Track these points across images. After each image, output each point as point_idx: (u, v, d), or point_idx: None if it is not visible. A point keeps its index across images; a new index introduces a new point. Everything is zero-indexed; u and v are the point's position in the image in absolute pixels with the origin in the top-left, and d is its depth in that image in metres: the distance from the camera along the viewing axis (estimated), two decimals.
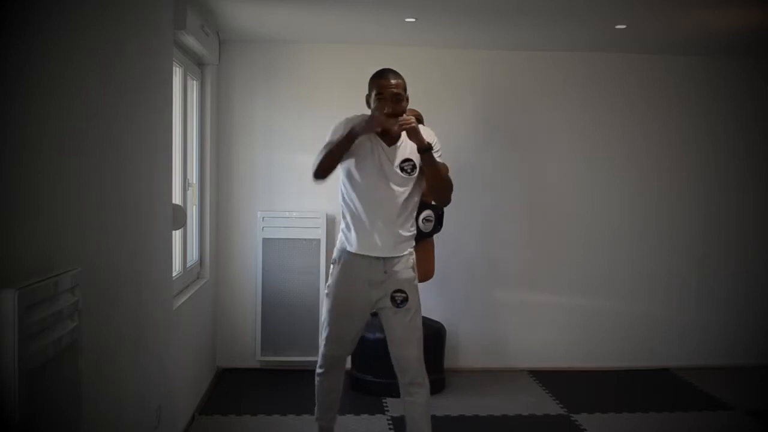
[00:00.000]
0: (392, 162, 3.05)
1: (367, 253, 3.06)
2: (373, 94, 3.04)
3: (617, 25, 4.19)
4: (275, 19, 4.26)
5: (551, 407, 4.30)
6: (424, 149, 2.99)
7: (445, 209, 4.37)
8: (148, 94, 2.80)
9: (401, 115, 2.99)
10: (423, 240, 4.35)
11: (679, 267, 5.15)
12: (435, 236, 4.43)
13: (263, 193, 4.87)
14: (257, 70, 4.84)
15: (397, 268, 3.09)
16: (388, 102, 2.98)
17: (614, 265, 5.11)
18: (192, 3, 3.60)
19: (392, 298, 3.06)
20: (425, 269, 4.44)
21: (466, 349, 5.00)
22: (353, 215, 3.09)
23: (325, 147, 3.03)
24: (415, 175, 3.08)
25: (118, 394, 2.46)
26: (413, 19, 4.12)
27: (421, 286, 4.56)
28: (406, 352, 3.08)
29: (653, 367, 5.09)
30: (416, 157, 3.08)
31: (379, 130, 2.99)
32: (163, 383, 3.05)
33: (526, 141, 5.03)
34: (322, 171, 3.04)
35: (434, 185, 3.13)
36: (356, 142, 3.01)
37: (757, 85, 5.11)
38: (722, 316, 5.18)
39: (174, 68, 3.54)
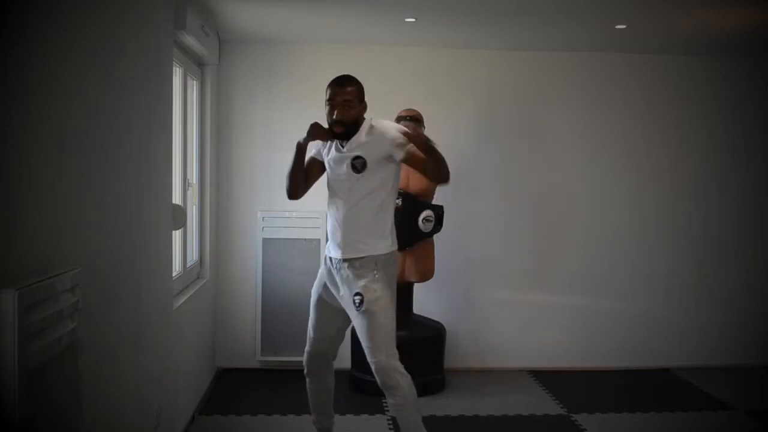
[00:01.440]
0: (343, 161, 3.10)
1: (331, 255, 3.16)
2: (325, 100, 3.12)
3: (617, 25, 4.19)
4: (275, 19, 4.26)
5: (551, 407, 4.30)
6: (429, 151, 3.00)
7: (445, 209, 4.38)
8: (148, 94, 2.80)
9: (349, 122, 3.06)
10: (423, 240, 4.36)
11: (679, 267, 5.15)
12: (435, 236, 4.43)
13: (263, 193, 4.87)
14: (257, 70, 4.84)
15: (358, 270, 3.06)
16: (337, 108, 3.06)
17: (614, 265, 5.11)
18: (192, 3, 3.60)
19: (353, 301, 3.07)
20: (425, 269, 4.45)
21: (466, 349, 5.00)
22: (329, 217, 3.24)
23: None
24: (366, 172, 3.05)
25: (118, 394, 2.46)
26: (413, 19, 4.12)
27: (421, 286, 4.62)
28: (369, 356, 3.07)
29: (653, 367, 5.08)
30: (369, 155, 3.06)
31: (319, 139, 3.12)
32: (163, 383, 3.05)
33: (526, 141, 5.03)
34: (289, 189, 3.24)
35: (433, 168, 3.07)
36: (323, 151, 3.18)
37: (757, 85, 5.11)
38: (722, 316, 5.18)
39: (174, 68, 3.54)
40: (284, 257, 4.79)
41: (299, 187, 3.23)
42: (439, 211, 4.35)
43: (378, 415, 4.08)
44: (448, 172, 3.10)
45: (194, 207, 4.35)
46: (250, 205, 4.86)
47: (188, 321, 3.82)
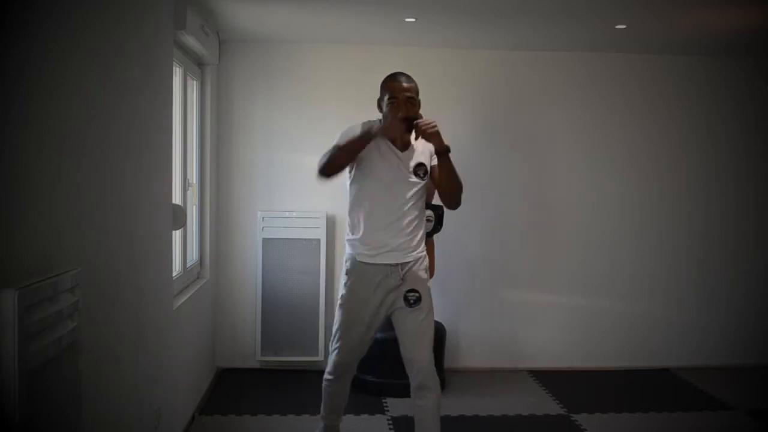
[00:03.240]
0: (407, 167, 3.05)
1: (383, 262, 3.04)
2: (385, 98, 3.03)
3: (617, 25, 4.19)
4: (275, 19, 4.26)
5: (551, 407, 4.30)
6: (444, 151, 3.00)
7: (445, 209, 4.37)
8: (148, 94, 2.80)
9: (414, 119, 2.98)
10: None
11: (679, 267, 5.15)
12: (435, 236, 4.42)
13: (263, 193, 4.87)
14: (257, 70, 4.84)
15: (411, 269, 3.08)
16: (402, 106, 2.98)
17: (614, 265, 5.11)
18: (192, 3, 3.60)
19: (405, 298, 3.05)
20: None
21: (466, 349, 5.00)
22: (367, 222, 3.06)
23: (334, 147, 2.99)
24: (427, 179, 3.10)
25: (118, 395, 2.46)
26: (413, 19, 4.12)
27: None
28: (418, 354, 3.04)
29: (653, 367, 5.09)
30: (427, 161, 3.11)
31: (395, 136, 3.00)
32: (163, 383, 3.05)
33: (526, 141, 5.04)
34: (331, 168, 2.98)
35: (448, 187, 3.11)
36: (368, 149, 3.00)
37: (757, 85, 5.11)
38: (722, 316, 5.18)
39: (174, 68, 3.54)
40: (284, 257, 4.79)
41: (340, 170, 3.02)
42: (439, 211, 4.34)
43: (378, 415, 4.08)
44: (461, 195, 3.11)
45: (194, 207, 4.35)
46: (250, 205, 4.86)
47: (188, 321, 3.82)
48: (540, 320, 5.08)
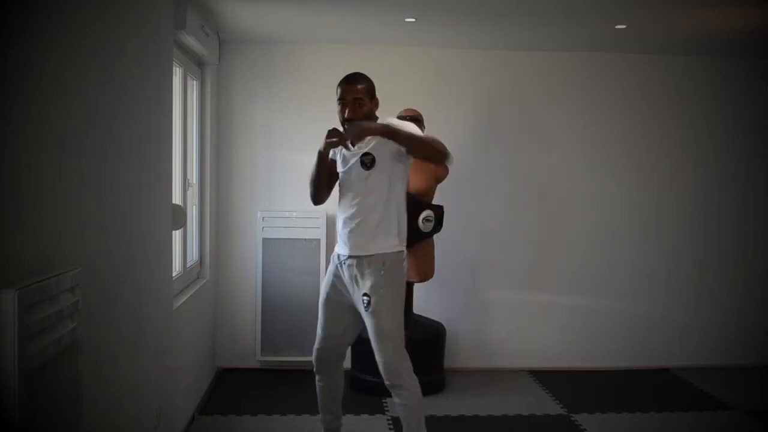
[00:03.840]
0: (353, 159, 3.11)
1: (338, 251, 3.19)
2: (337, 99, 3.12)
3: (617, 25, 4.19)
4: (275, 19, 4.26)
5: (551, 407, 4.30)
6: (386, 132, 2.99)
7: (445, 209, 4.38)
8: (148, 94, 2.80)
9: (360, 119, 3.05)
10: (423, 240, 4.35)
11: (679, 267, 5.15)
12: (435, 236, 4.43)
13: (263, 193, 4.87)
14: (257, 70, 4.84)
15: (366, 269, 3.06)
16: (348, 106, 3.07)
17: (614, 265, 5.11)
18: (192, 3, 3.60)
19: (361, 301, 3.09)
20: (425, 269, 4.44)
21: (466, 349, 5.00)
22: (337, 218, 3.23)
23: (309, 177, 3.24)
24: (375, 169, 3.05)
25: (118, 394, 2.46)
26: (413, 19, 4.12)
27: (421, 286, 4.62)
28: (378, 356, 3.10)
29: (653, 367, 5.09)
30: (379, 152, 3.06)
31: (336, 146, 3.08)
32: (163, 383, 3.05)
33: (526, 141, 5.03)
34: (313, 196, 3.27)
35: (420, 152, 3.08)
36: (335, 152, 3.17)
37: (757, 85, 5.11)
38: (722, 316, 5.18)
39: (174, 68, 3.54)
40: (284, 257, 4.79)
41: (323, 192, 3.27)
42: (439, 211, 4.34)
43: (378, 415, 4.08)
44: (437, 150, 3.06)
45: (194, 207, 4.35)
46: (250, 205, 4.86)
47: (188, 321, 3.82)
48: (540, 320, 5.08)
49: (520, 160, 5.04)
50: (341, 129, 3.06)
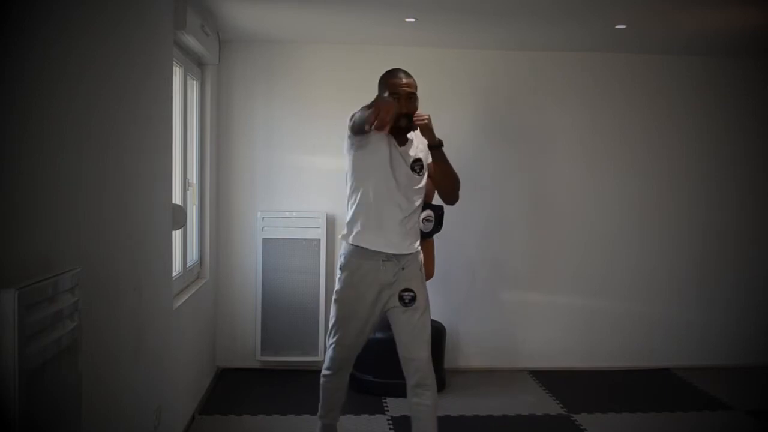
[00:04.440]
0: (405, 162, 3.06)
1: (379, 250, 3.02)
2: (385, 95, 3.02)
3: (617, 25, 4.19)
4: (275, 19, 4.26)
5: (551, 407, 4.30)
6: (436, 145, 3.03)
7: (445, 209, 4.37)
8: (148, 94, 2.80)
9: (413, 115, 3.01)
10: (423, 240, 4.34)
11: (679, 267, 5.15)
12: (435, 236, 4.43)
13: (263, 193, 4.87)
14: (257, 70, 4.84)
15: (406, 266, 3.08)
16: (403, 101, 2.98)
17: (614, 265, 5.11)
18: (192, 3, 3.59)
19: (400, 297, 3.05)
20: (425, 269, 4.44)
21: (466, 349, 5.00)
22: (366, 213, 3.05)
23: (361, 112, 2.89)
24: (424, 174, 3.11)
25: (117, 394, 2.46)
26: (413, 19, 4.12)
27: None
28: (415, 353, 3.04)
29: (653, 367, 5.09)
30: (424, 157, 3.12)
31: (383, 125, 2.83)
32: (163, 383, 3.05)
33: (526, 141, 5.03)
34: (361, 127, 2.83)
35: (444, 182, 3.15)
36: (371, 138, 2.96)
37: (757, 85, 5.11)
38: (722, 316, 5.18)
39: (174, 68, 3.54)
40: (284, 257, 4.79)
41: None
42: (439, 211, 4.34)
43: (378, 415, 4.08)
44: (457, 191, 3.17)
45: (194, 207, 4.35)
46: (250, 205, 4.86)
47: (188, 321, 3.82)
48: (540, 320, 5.08)
49: (520, 160, 5.04)
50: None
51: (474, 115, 4.99)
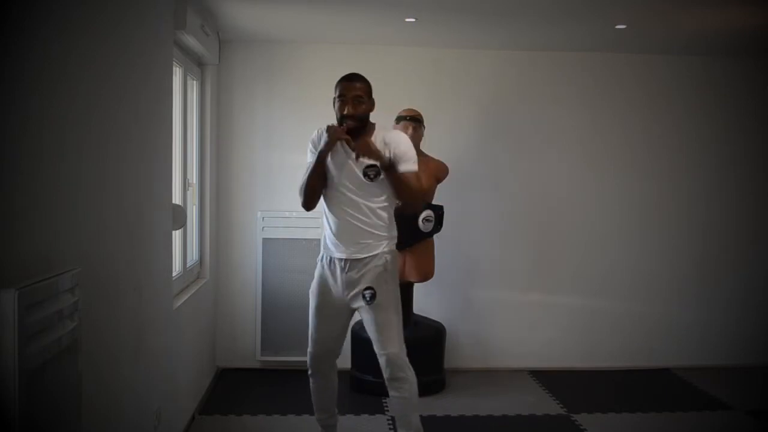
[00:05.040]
0: (358, 168, 3.11)
1: (334, 255, 3.17)
2: (335, 96, 3.16)
3: (617, 25, 4.19)
4: (275, 19, 4.26)
5: (551, 407, 4.30)
6: (385, 167, 3.07)
7: (445, 209, 4.38)
8: (148, 94, 2.80)
9: (360, 117, 3.11)
10: (423, 240, 4.36)
11: (679, 267, 5.15)
12: (435, 236, 4.43)
13: (263, 193, 4.87)
14: (257, 70, 4.83)
15: (366, 267, 3.12)
16: (348, 104, 3.10)
17: (614, 265, 5.11)
18: (192, 3, 3.59)
19: (363, 296, 3.12)
20: (425, 269, 4.44)
21: (466, 349, 5.00)
22: (326, 217, 3.22)
23: (305, 172, 3.18)
24: (381, 179, 3.11)
25: (117, 394, 2.46)
26: (413, 19, 4.12)
27: (421, 286, 4.62)
28: (383, 347, 3.12)
29: (653, 367, 5.09)
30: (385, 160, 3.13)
31: (339, 141, 3.09)
32: (163, 383, 3.05)
33: (526, 141, 5.03)
34: (308, 201, 3.20)
35: (398, 195, 3.19)
36: (331, 156, 3.15)
37: (757, 85, 5.11)
38: (722, 316, 5.18)
39: (174, 68, 3.54)
40: (284, 257, 4.79)
41: (317, 196, 3.22)
42: (439, 211, 4.34)
43: (378, 415, 4.08)
44: (414, 201, 3.25)
45: (194, 207, 4.35)
46: (250, 205, 4.86)
47: (188, 321, 3.82)
48: (540, 320, 5.08)
49: (520, 159, 5.04)
50: (336, 125, 3.13)
51: (474, 115, 4.99)
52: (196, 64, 4.36)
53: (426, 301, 4.79)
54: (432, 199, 4.41)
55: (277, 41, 4.80)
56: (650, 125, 5.09)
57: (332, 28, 4.45)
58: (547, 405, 4.33)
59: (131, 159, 2.55)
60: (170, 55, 3.22)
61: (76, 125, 2.00)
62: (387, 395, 4.25)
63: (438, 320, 4.73)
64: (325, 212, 3.23)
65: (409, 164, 3.12)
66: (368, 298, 3.10)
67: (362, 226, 3.12)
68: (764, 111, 5.13)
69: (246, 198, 4.87)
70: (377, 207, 3.14)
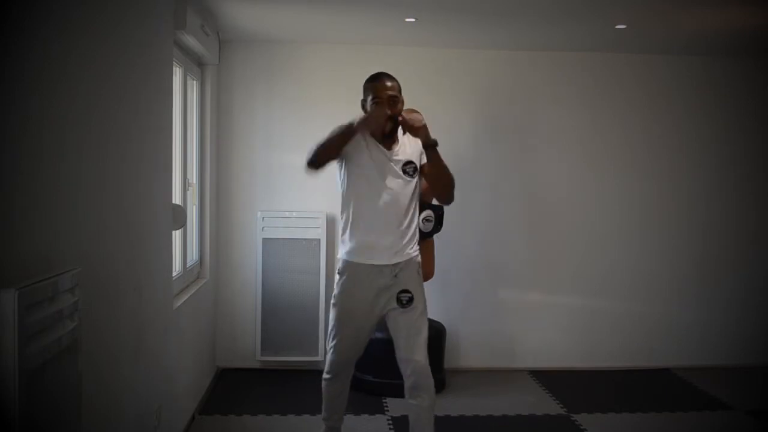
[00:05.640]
0: (395, 165, 3.05)
1: (374, 262, 3.04)
2: (369, 98, 3.04)
3: (617, 25, 4.19)
4: (275, 19, 4.26)
5: (551, 407, 4.30)
6: (431, 144, 3.00)
7: (445, 209, 4.37)
8: (148, 94, 2.80)
9: (399, 118, 3.00)
10: (423, 240, 4.35)
11: (679, 267, 5.15)
12: (435, 236, 4.42)
13: (263, 193, 4.87)
14: (257, 70, 4.83)
15: (403, 270, 3.08)
16: (385, 105, 2.99)
17: (614, 265, 5.11)
18: (192, 3, 3.59)
19: (398, 299, 3.05)
20: (425, 269, 4.43)
21: (466, 349, 5.00)
22: (357, 223, 3.07)
23: (321, 140, 2.99)
24: (417, 177, 3.09)
25: (117, 394, 2.46)
26: (413, 19, 4.12)
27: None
28: (412, 354, 3.04)
29: (653, 367, 5.09)
30: (416, 159, 3.09)
31: (375, 127, 2.98)
32: (163, 383, 3.05)
33: (526, 141, 5.03)
34: (318, 158, 2.97)
35: (438, 182, 3.12)
36: (355, 148, 3.01)
37: (757, 85, 5.11)
38: (722, 316, 5.18)
39: (174, 68, 3.54)
40: (284, 257, 4.79)
41: (328, 161, 3.01)
42: (439, 211, 4.34)
43: (378, 415, 4.08)
44: (452, 190, 3.14)
45: (194, 207, 4.35)
46: (250, 205, 4.86)
47: (188, 321, 3.82)
48: (540, 320, 5.08)
49: (520, 159, 5.04)
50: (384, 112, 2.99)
51: (474, 115, 4.99)
52: (196, 64, 4.36)
53: (426, 301, 4.78)
54: (432, 199, 4.40)
55: (277, 41, 4.80)
56: (650, 125, 5.09)
57: (332, 28, 4.45)
58: (547, 405, 4.33)
59: (131, 159, 2.55)
60: (170, 55, 3.22)
61: (76, 125, 2.00)
62: (387, 395, 4.29)
63: (438, 320, 4.73)
64: (355, 218, 3.08)
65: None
66: (405, 302, 3.03)
67: (402, 229, 3.07)
68: (764, 111, 5.13)
69: (246, 198, 4.87)
70: (411, 210, 3.11)
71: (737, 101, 5.12)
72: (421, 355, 3.05)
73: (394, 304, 3.06)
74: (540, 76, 5.01)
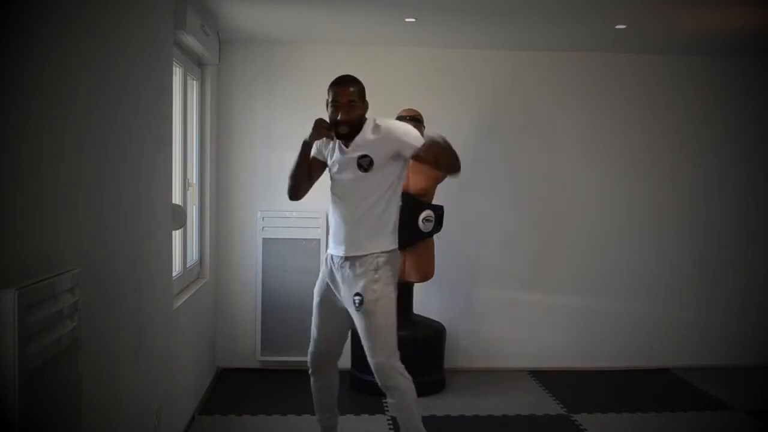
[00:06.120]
0: (351, 161, 3.08)
1: (332, 252, 3.15)
2: (328, 100, 3.11)
3: (617, 25, 4.19)
4: (275, 19, 4.26)
5: (551, 407, 4.30)
6: (431, 144, 3.04)
7: (445, 209, 4.38)
8: (148, 93, 2.80)
9: (353, 122, 3.05)
10: (423, 240, 4.36)
11: (679, 267, 5.15)
12: (435, 236, 4.43)
13: (263, 193, 4.87)
14: (257, 70, 4.83)
15: (358, 269, 3.05)
16: (341, 109, 3.05)
17: (614, 265, 5.11)
18: (192, 3, 3.59)
19: (353, 301, 3.07)
20: (425, 269, 4.44)
21: (466, 349, 5.00)
22: (330, 218, 3.24)
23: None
24: (374, 170, 3.04)
25: (117, 394, 2.46)
26: (413, 19, 4.12)
27: (421, 286, 4.62)
28: (371, 356, 3.07)
29: (653, 367, 5.08)
30: (376, 153, 3.04)
31: (322, 135, 3.10)
32: (163, 383, 3.05)
33: (526, 141, 5.03)
34: (292, 189, 3.22)
35: (442, 160, 3.14)
36: (329, 152, 3.16)
37: (757, 85, 5.11)
38: (722, 316, 5.18)
39: (174, 68, 3.54)
40: (284, 257, 4.79)
41: (302, 186, 3.22)
42: (439, 211, 4.35)
43: (378, 415, 4.08)
44: (458, 162, 3.15)
45: (194, 207, 4.35)
46: (250, 205, 4.86)
47: (188, 321, 3.82)
48: (540, 320, 5.08)
49: (520, 160, 5.04)
50: (326, 120, 3.10)
51: (473, 115, 4.99)
52: (196, 64, 4.36)
53: (426, 301, 4.79)
54: (432, 199, 4.41)
55: (277, 41, 4.80)
56: (650, 125, 5.09)
57: (332, 28, 4.45)
58: (547, 405, 4.33)
59: (131, 159, 2.55)
60: (170, 55, 3.22)
61: (76, 125, 2.00)
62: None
63: (438, 320, 4.73)
64: (330, 213, 3.23)
65: (419, 139, 3.04)
66: (356, 304, 3.04)
67: (359, 223, 3.07)
68: (764, 111, 5.14)
69: (246, 198, 4.87)
70: (375, 204, 3.07)
71: (737, 101, 5.12)
72: (379, 356, 3.05)
73: (351, 306, 3.08)
74: (540, 76, 5.01)
